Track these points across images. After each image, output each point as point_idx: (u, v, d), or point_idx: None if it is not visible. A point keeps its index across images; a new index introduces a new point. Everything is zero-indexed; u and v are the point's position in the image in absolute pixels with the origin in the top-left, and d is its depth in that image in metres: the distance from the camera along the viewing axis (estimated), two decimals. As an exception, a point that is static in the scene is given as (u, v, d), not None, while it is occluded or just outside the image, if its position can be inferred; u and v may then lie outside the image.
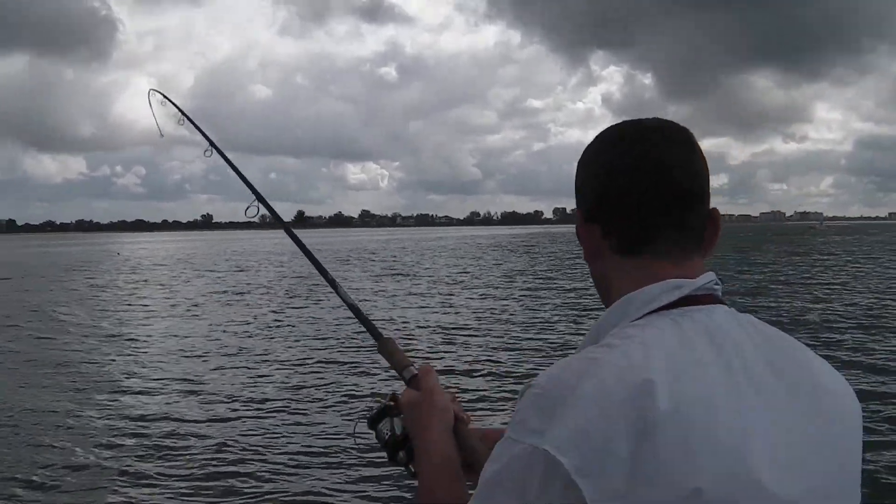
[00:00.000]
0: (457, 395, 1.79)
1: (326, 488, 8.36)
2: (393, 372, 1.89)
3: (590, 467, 1.05)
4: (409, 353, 1.89)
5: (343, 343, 17.61)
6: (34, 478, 8.69)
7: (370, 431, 1.81)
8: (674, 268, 1.32)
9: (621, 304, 1.32)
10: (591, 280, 1.49)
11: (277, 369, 14.91)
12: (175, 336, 19.63)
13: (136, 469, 8.92)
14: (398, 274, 42.37)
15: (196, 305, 27.31)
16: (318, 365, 15.18)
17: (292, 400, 12.21)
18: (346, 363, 15.25)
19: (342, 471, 8.83)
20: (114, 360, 16.19)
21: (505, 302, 26.17)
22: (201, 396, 12.56)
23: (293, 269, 47.45)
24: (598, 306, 1.48)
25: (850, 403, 1.28)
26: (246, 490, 8.28)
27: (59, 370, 15.13)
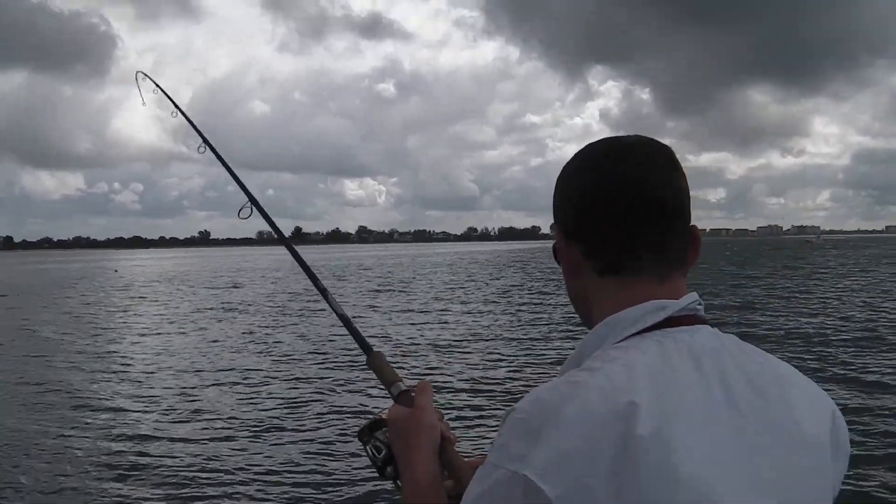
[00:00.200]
0: (443, 413, 1.73)
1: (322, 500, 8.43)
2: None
3: (571, 494, 1.05)
4: (400, 370, 1.87)
5: (335, 359, 17.67)
6: (24, 498, 8.67)
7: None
8: (657, 288, 1.30)
9: (604, 326, 1.30)
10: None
11: (271, 385, 14.92)
12: (168, 353, 19.62)
13: (126, 488, 8.92)
14: (392, 290, 42.32)
15: (191, 322, 27.27)
16: (312, 380, 15.20)
17: (286, 414, 12.25)
18: (338, 379, 15.26)
19: (336, 485, 8.89)
20: (107, 379, 16.15)
21: (498, 318, 26.24)
22: (193, 414, 12.57)
23: (288, 285, 47.50)
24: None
25: (824, 432, 1.25)
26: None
27: (53, 388, 15.07)
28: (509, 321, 25.02)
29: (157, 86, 3.32)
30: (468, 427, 10.92)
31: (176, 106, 3.15)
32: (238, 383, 15.19)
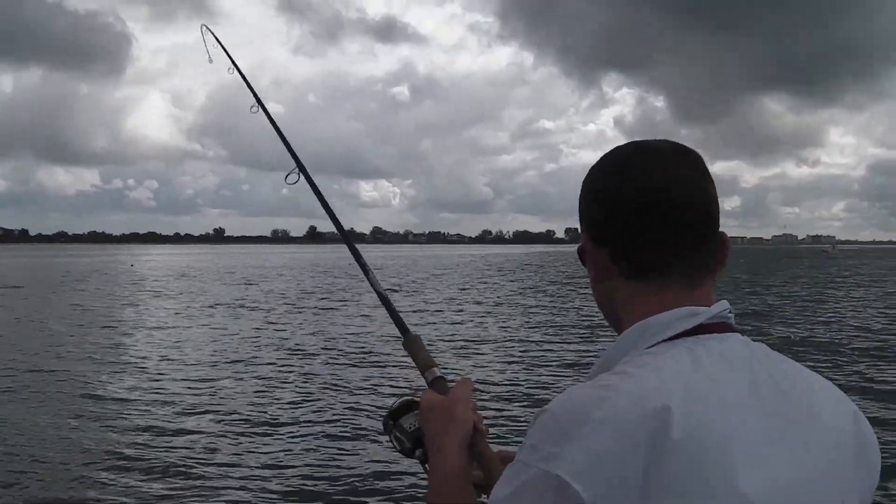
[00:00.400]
0: (477, 405, 1.73)
1: (353, 481, 8.61)
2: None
3: (603, 494, 1.05)
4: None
5: (355, 354, 17.68)
6: (32, 488, 8.71)
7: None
8: (687, 294, 1.30)
9: (634, 331, 1.30)
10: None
11: (293, 379, 15.03)
12: (185, 346, 19.76)
13: (142, 478, 8.98)
14: (406, 291, 42.39)
15: (207, 317, 27.50)
16: (330, 374, 15.18)
17: (306, 408, 12.28)
18: (355, 377, 15.24)
19: (365, 463, 9.16)
20: (139, 371, 16.24)
21: (519, 318, 26.34)
22: (209, 406, 12.64)
23: (306, 283, 47.61)
24: (605, 325, 1.48)
25: (848, 433, 1.26)
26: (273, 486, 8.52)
27: (73, 379, 15.15)
28: (529, 322, 25.06)
29: (218, 41, 3.32)
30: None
31: (233, 62, 3.15)
32: (263, 377, 15.28)
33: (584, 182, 1.43)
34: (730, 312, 1.31)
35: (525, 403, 12.55)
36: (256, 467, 9.35)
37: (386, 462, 9.28)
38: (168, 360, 17.60)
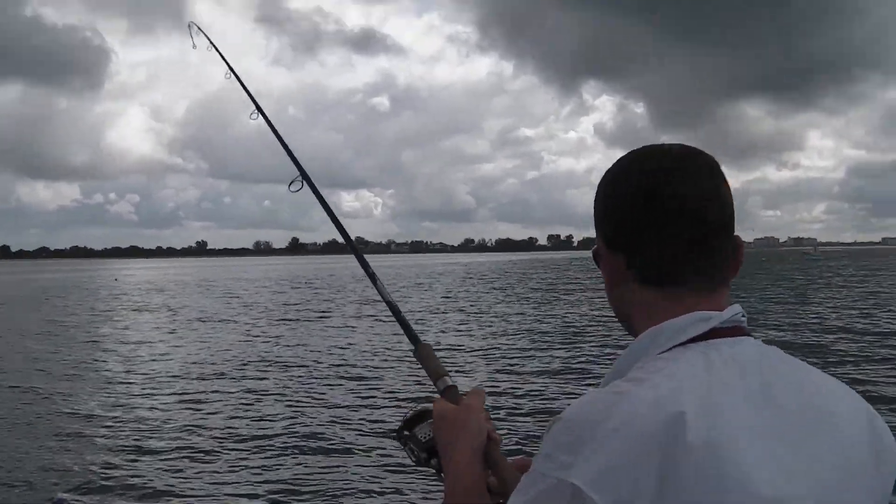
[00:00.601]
0: (490, 415, 1.71)
1: (367, 492, 8.63)
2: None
3: (619, 501, 1.05)
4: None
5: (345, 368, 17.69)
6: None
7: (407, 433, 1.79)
8: (701, 299, 1.29)
9: (647, 336, 1.29)
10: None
11: (287, 391, 14.91)
12: (168, 360, 19.59)
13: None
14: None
15: (191, 330, 27.33)
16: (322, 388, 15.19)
17: (308, 419, 12.25)
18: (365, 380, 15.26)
19: (378, 473, 9.16)
20: (132, 381, 16.15)
21: (509, 326, 26.29)
22: (213, 423, 12.59)
23: (291, 296, 47.46)
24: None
25: (863, 434, 1.25)
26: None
27: (58, 397, 15.03)
28: (520, 328, 25.18)
29: (213, 44, 3.30)
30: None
31: (230, 67, 3.12)
32: (272, 391, 15.23)
33: (600, 186, 1.44)
34: (742, 316, 1.31)
35: (524, 411, 12.59)
36: (273, 482, 9.32)
37: (400, 472, 9.25)
38: (166, 375, 17.46)
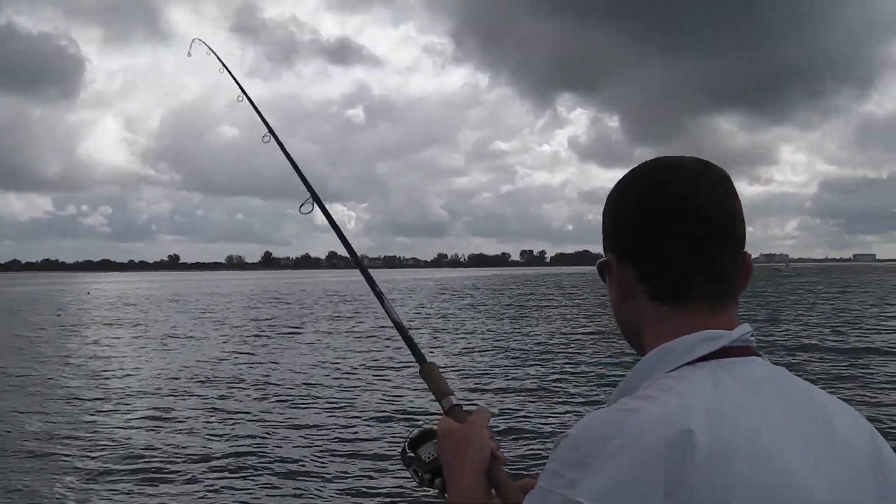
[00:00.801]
0: (493, 433, 1.71)
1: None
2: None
3: None
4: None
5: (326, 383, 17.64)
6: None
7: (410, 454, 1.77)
8: (711, 317, 1.29)
9: (656, 354, 1.29)
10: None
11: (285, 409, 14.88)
12: (144, 370, 19.53)
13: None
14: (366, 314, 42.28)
15: (161, 345, 27.11)
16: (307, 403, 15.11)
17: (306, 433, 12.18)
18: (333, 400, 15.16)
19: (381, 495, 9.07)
20: (112, 393, 16.04)
21: (509, 341, 26.30)
22: (181, 427, 12.52)
23: (266, 311, 47.30)
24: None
25: (867, 450, 1.24)
26: None
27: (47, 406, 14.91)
28: (505, 344, 25.12)
29: (225, 67, 3.28)
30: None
31: (243, 90, 3.12)
32: (277, 410, 15.15)
33: (610, 198, 1.44)
34: (752, 335, 1.31)
35: (514, 430, 12.52)
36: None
37: (403, 493, 9.20)
38: (136, 393, 17.37)
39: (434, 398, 1.88)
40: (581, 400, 15.03)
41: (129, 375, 19.69)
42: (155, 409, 14.90)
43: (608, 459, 1.08)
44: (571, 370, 19.25)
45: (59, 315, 45.82)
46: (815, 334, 27.01)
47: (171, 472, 10.26)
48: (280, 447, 11.67)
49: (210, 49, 3.37)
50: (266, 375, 19.32)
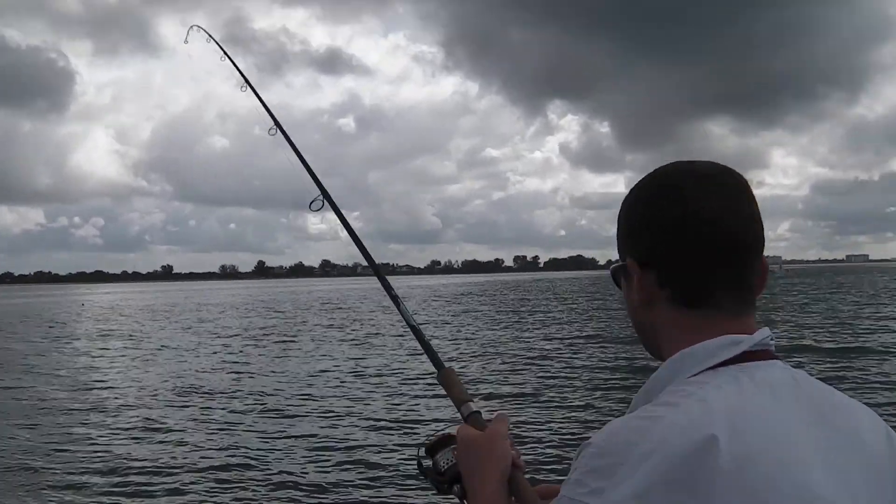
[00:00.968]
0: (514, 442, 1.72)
1: None
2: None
3: None
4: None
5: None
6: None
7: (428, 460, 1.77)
8: (732, 322, 1.30)
9: (677, 359, 1.29)
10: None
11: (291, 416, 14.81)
12: (140, 383, 19.41)
13: None
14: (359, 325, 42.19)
15: (162, 359, 27.01)
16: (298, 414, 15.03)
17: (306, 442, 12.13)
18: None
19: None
20: (121, 405, 15.99)
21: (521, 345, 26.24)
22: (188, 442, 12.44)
23: (262, 320, 47.17)
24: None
25: (884, 451, 1.26)
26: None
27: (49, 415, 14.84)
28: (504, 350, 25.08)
29: (227, 55, 3.26)
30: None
31: (245, 79, 3.14)
32: (291, 416, 15.12)
33: (630, 202, 1.44)
34: (771, 339, 1.32)
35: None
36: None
37: (421, 499, 9.15)
38: (134, 407, 17.33)
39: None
40: (581, 403, 14.96)
41: (136, 386, 19.58)
42: (152, 420, 14.79)
43: (633, 467, 1.09)
44: (569, 374, 19.19)
45: (51, 327, 45.61)
46: (809, 335, 26.97)
47: (168, 487, 10.15)
48: (282, 458, 11.59)
49: (210, 36, 3.30)
50: (265, 385, 19.18)
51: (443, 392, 1.87)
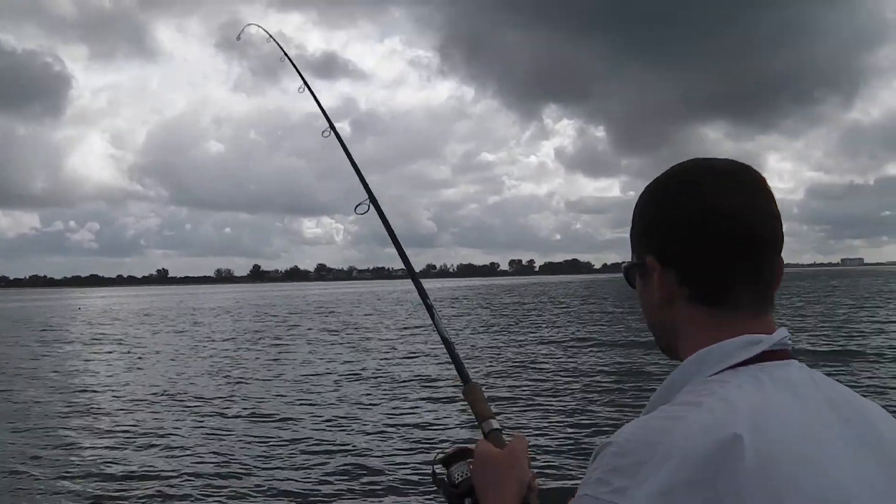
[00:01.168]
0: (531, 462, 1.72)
1: None
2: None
3: None
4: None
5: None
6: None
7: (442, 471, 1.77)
8: (751, 321, 1.30)
9: (696, 359, 1.28)
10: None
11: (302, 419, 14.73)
12: (144, 385, 19.26)
13: None
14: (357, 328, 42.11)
15: (161, 358, 26.93)
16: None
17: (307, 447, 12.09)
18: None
19: None
20: (125, 408, 15.88)
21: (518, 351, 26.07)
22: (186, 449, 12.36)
23: (259, 324, 47.09)
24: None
25: None
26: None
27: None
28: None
29: (286, 54, 3.25)
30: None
31: (305, 82, 3.10)
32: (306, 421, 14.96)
33: (647, 199, 1.43)
34: (789, 339, 1.32)
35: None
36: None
37: None
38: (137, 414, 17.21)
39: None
40: (577, 407, 14.87)
41: (130, 390, 19.42)
42: (149, 425, 14.70)
43: (657, 466, 1.08)
44: (565, 377, 19.08)
45: (44, 331, 45.52)
46: (805, 338, 26.94)
47: (163, 492, 10.04)
48: (278, 463, 11.53)
49: (270, 35, 3.27)
50: (262, 390, 19.13)
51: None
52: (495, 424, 1.83)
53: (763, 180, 1.35)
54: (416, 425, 13.50)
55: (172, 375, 22.14)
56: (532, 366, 21.80)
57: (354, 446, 12.19)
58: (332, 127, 2.92)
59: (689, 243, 1.31)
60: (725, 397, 1.16)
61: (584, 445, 11.47)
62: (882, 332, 28.51)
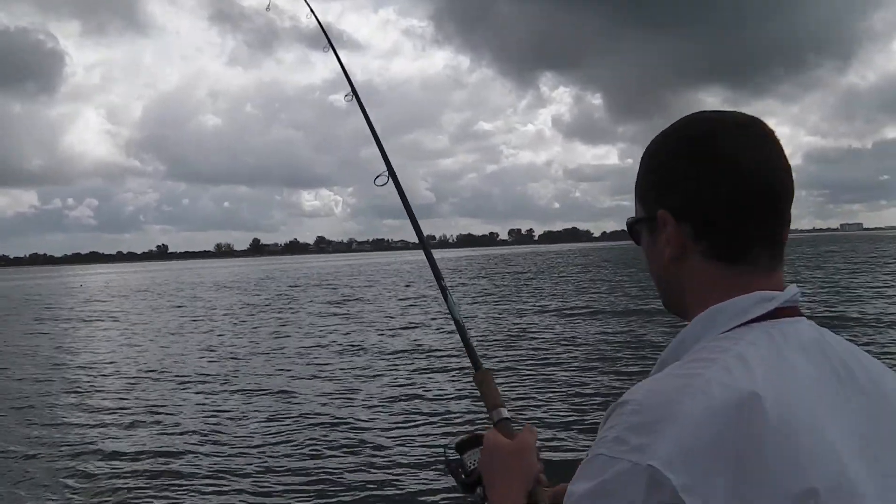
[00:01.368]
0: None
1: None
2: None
3: (697, 484, 1.03)
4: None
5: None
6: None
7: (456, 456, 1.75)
8: (764, 278, 1.29)
9: (708, 315, 1.28)
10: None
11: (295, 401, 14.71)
12: (141, 366, 19.26)
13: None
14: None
15: (169, 333, 26.94)
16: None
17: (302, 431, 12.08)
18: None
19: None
20: (135, 386, 15.93)
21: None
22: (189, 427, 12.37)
23: (259, 297, 47.09)
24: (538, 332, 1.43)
25: None
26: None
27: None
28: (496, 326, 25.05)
29: (312, 12, 3.27)
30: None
31: (330, 43, 3.13)
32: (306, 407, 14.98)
33: (658, 151, 1.40)
34: (799, 296, 1.32)
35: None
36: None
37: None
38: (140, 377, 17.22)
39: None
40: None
41: (136, 368, 19.38)
42: (146, 402, 14.71)
43: (677, 423, 1.07)
44: (566, 347, 19.11)
45: (81, 286, 45.49)
46: (804, 304, 26.98)
47: (176, 476, 9.91)
48: (284, 439, 11.52)
49: (312, 11, 3.27)
50: (266, 366, 19.08)
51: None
52: (505, 413, 1.80)
53: (773, 133, 1.33)
54: (420, 398, 13.42)
55: (174, 351, 22.19)
56: (531, 336, 21.80)
57: (359, 420, 12.19)
58: (353, 91, 2.91)
59: (707, 196, 1.28)
60: (740, 354, 1.16)
61: (585, 417, 11.45)
62: (881, 296, 28.48)
